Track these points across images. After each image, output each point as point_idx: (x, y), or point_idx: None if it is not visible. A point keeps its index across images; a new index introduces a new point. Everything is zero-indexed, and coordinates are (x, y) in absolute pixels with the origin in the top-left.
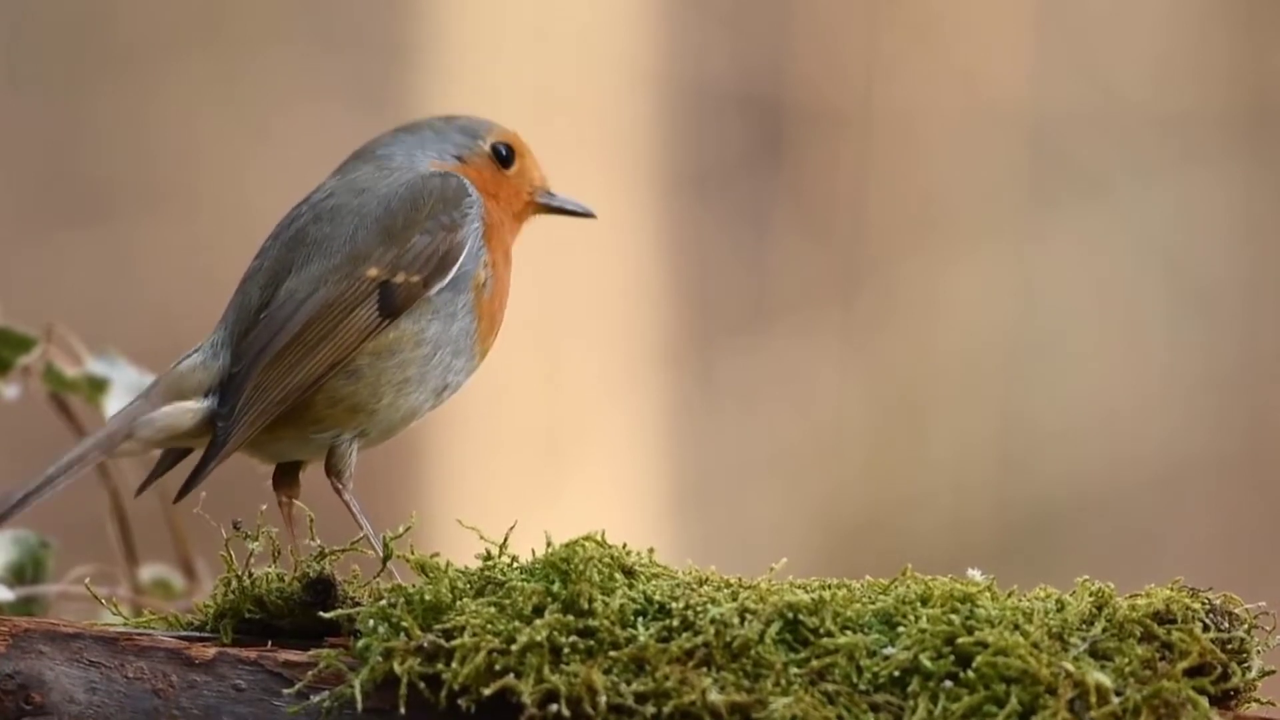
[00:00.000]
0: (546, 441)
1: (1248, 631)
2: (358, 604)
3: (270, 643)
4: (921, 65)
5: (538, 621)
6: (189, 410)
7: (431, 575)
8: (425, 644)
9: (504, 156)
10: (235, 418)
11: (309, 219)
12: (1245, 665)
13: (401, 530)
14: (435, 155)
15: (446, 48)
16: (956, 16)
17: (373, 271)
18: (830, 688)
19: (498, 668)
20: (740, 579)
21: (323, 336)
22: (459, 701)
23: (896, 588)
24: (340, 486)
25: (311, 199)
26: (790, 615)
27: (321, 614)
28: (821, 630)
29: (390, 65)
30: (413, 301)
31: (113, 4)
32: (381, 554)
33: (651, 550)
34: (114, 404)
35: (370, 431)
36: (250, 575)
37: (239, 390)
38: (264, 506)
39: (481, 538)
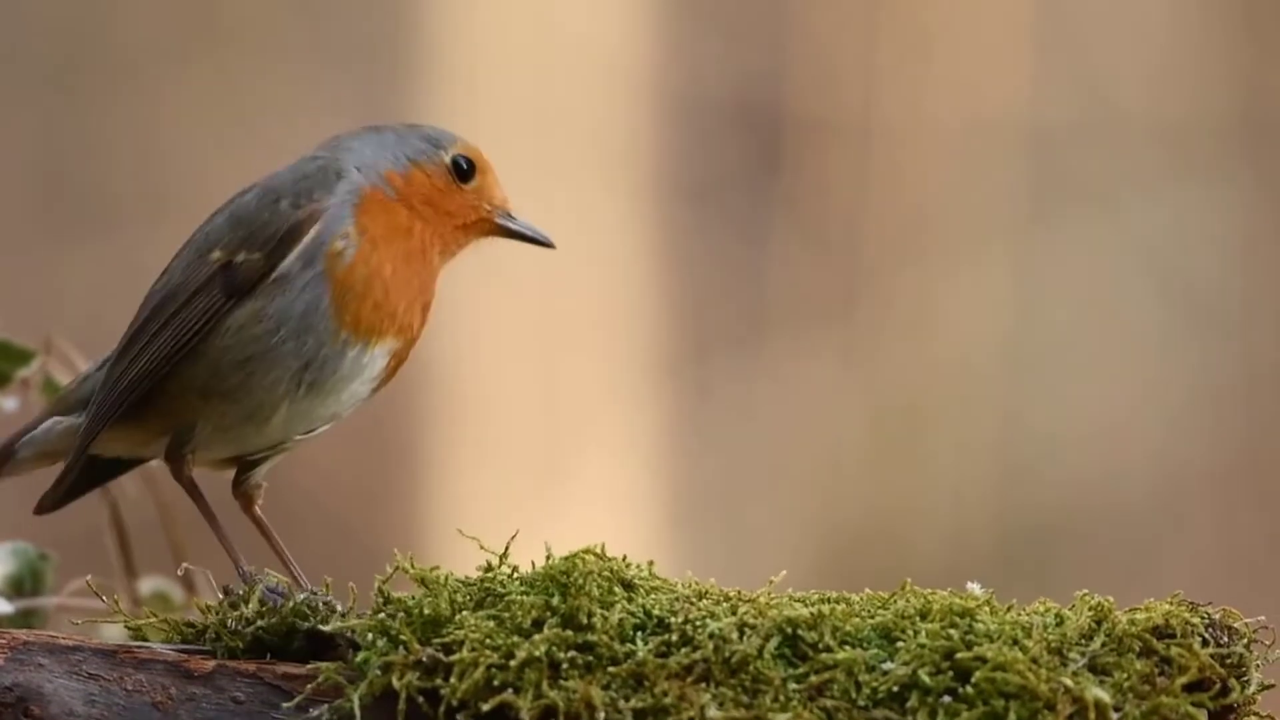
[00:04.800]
0: (545, 454)
1: (1247, 646)
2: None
3: (269, 655)
4: (919, 77)
5: (537, 636)
6: (59, 424)
7: (431, 588)
8: (424, 658)
9: (464, 170)
10: (86, 414)
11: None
12: (1244, 680)
13: (391, 572)
14: (390, 157)
15: (446, 59)
16: (954, 28)
17: (216, 254)
18: (829, 703)
19: (496, 683)
20: (739, 592)
21: (165, 323)
22: (458, 717)
23: (896, 601)
24: (178, 472)
25: None
26: (789, 630)
27: (321, 627)
28: (820, 645)
29: (391, 77)
30: (256, 280)
31: (115, 16)
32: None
33: (651, 563)
34: None
35: (229, 418)
36: (243, 626)
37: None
38: (255, 568)
39: (482, 548)
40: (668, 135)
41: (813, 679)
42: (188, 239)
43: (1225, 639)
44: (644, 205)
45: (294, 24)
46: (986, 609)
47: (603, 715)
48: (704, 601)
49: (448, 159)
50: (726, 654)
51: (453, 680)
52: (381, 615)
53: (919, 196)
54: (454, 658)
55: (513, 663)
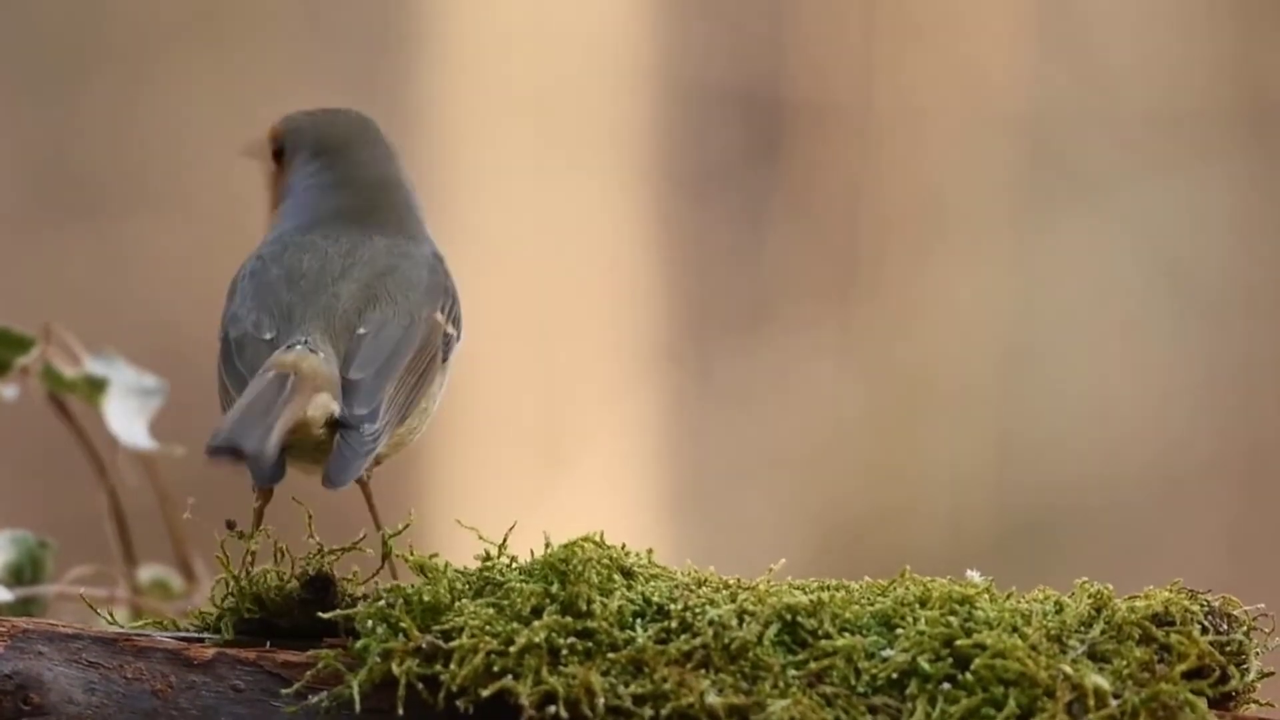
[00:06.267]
0: (544, 441)
1: (1246, 634)
2: (357, 601)
3: (269, 643)
4: (921, 63)
5: (536, 623)
6: (332, 404)
7: (430, 576)
8: (424, 645)
9: None
10: (381, 427)
11: (371, 266)
12: (1244, 667)
13: (400, 527)
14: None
15: (442, 40)
16: (956, 15)
17: (439, 317)
18: (828, 690)
19: (496, 669)
20: (739, 580)
21: (417, 367)
22: (457, 703)
23: (895, 589)
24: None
25: (352, 250)
26: (789, 617)
27: (320, 614)
28: (820, 632)
29: (385, 58)
30: (449, 352)
31: (108, 0)
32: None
33: (650, 551)
34: (113, 404)
35: (386, 453)
36: (248, 573)
37: (370, 400)
38: (255, 503)
39: (480, 538)
40: (666, 121)
41: (812, 665)
42: (378, 284)
43: (1225, 626)
44: (642, 191)
45: (290, 6)
46: (986, 596)
47: (602, 701)
48: (703, 589)
49: None
50: (726, 640)
51: (452, 666)
52: (381, 602)
53: (919, 183)
54: (453, 644)
55: (512, 649)
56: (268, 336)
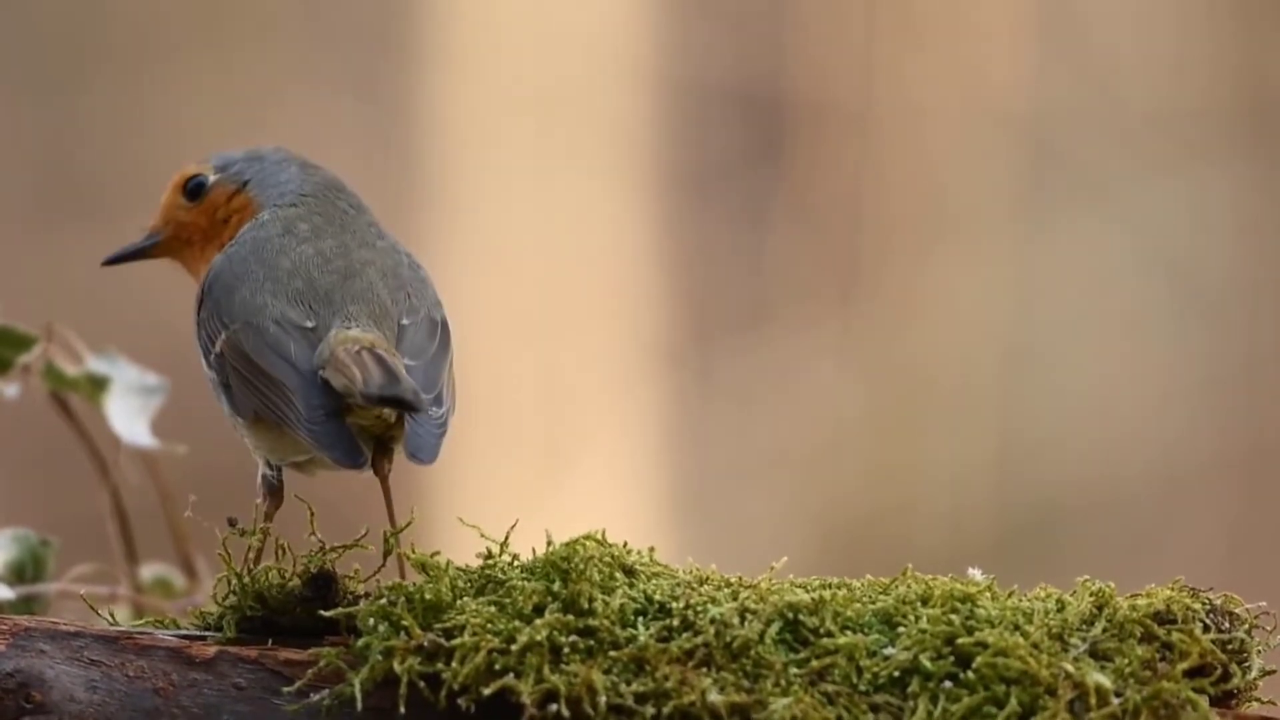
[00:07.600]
0: (546, 440)
1: (1248, 632)
2: (359, 599)
3: (271, 641)
4: (922, 64)
5: (538, 621)
6: None
7: (432, 574)
8: (425, 643)
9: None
10: (446, 410)
11: (387, 256)
12: (1245, 665)
13: (403, 525)
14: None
15: (445, 42)
16: (956, 15)
17: (445, 315)
18: (830, 688)
19: (497, 667)
20: (740, 578)
21: (451, 364)
22: (459, 701)
23: (897, 587)
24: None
25: (362, 238)
26: (790, 615)
27: (322, 612)
28: (821, 630)
29: (387, 59)
30: None
31: (111, 1)
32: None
33: (652, 549)
34: (114, 403)
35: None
36: (250, 571)
37: (432, 386)
38: (257, 501)
39: (482, 535)
40: (668, 121)
41: (814, 664)
42: (400, 278)
43: (1226, 624)
44: (644, 191)
45: (290, 6)
46: (987, 595)
47: (604, 699)
48: (705, 587)
49: None
50: (728, 639)
51: (454, 665)
52: (383, 600)
53: (922, 184)
54: (455, 642)
55: (514, 647)
56: (309, 324)
